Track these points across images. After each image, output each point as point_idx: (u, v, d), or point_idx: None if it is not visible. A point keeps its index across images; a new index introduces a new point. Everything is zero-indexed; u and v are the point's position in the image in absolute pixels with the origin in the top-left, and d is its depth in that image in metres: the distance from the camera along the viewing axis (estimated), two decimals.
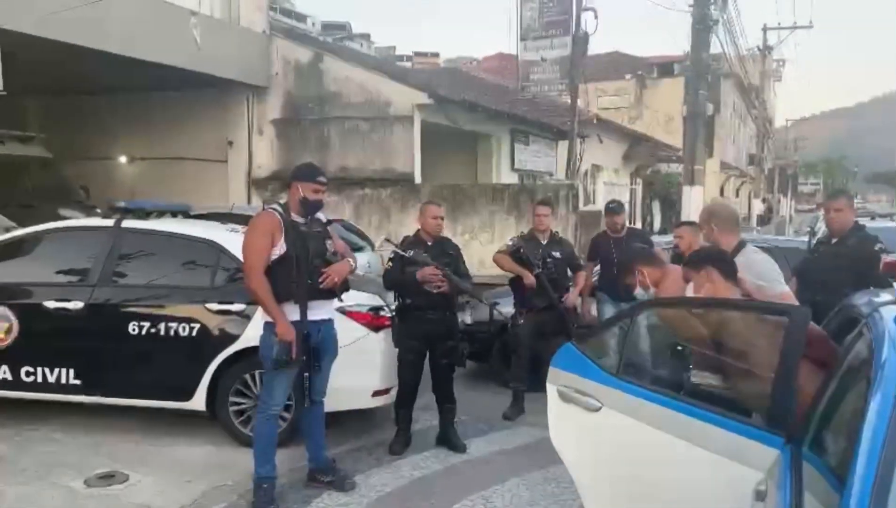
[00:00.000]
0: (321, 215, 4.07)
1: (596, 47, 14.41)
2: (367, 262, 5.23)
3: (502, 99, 16.74)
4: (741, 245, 3.85)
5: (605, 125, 19.98)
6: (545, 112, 17.15)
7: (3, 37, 8.58)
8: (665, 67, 31.97)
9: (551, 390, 3.20)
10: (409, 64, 26.56)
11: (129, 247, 5.00)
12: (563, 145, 17.21)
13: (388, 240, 4.57)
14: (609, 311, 5.79)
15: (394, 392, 4.87)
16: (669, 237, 9.22)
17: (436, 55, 32.24)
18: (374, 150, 13.08)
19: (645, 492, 2.69)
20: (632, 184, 23.19)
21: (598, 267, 6.13)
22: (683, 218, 9.90)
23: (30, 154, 11.01)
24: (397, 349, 4.71)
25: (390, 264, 4.83)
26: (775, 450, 2.15)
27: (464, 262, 4.96)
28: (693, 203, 10.14)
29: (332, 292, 3.97)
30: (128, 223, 5.02)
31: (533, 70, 15.27)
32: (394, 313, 4.77)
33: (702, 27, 10.51)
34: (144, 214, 5.18)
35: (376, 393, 4.80)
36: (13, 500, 3.87)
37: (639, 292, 4.25)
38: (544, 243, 5.68)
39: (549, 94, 16.18)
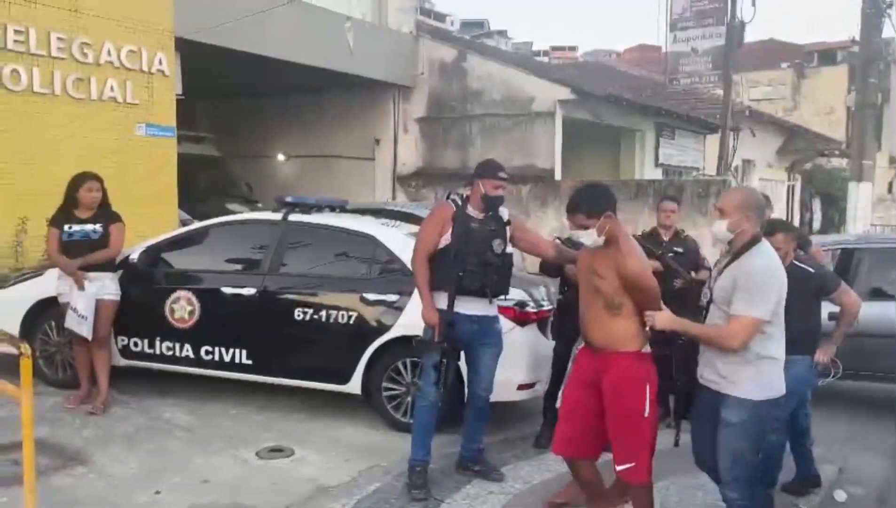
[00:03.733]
0: (504, 213, 4.14)
1: (748, 35, 13.58)
2: (521, 258, 5.30)
3: (644, 92, 16.25)
4: (754, 240, 3.13)
5: (758, 117, 18.87)
6: (692, 105, 16.47)
7: (183, 45, 9.49)
8: (826, 55, 29.60)
9: None
10: (545, 59, 26.26)
11: (295, 239, 5.40)
12: (711, 140, 16.46)
13: (557, 238, 4.56)
14: None
15: (539, 387, 4.92)
16: (834, 237, 8.65)
17: (573, 49, 31.66)
18: (515, 146, 13.14)
19: None
20: (789, 180, 21.70)
21: None
22: (849, 217, 9.20)
23: (202, 153, 12.08)
24: (553, 342, 4.77)
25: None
26: None
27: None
28: (861, 201, 9.39)
29: (483, 292, 4.04)
30: (294, 217, 5.40)
31: (683, 62, 14.69)
32: (553, 306, 4.84)
33: (874, 10, 9.69)
34: (308, 208, 5.54)
35: (521, 387, 4.88)
36: (203, 467, 4.30)
37: None
38: (666, 239, 5.47)
39: (700, 86, 15.51)
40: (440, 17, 24.17)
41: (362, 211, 6.62)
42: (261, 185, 13.66)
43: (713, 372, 3.13)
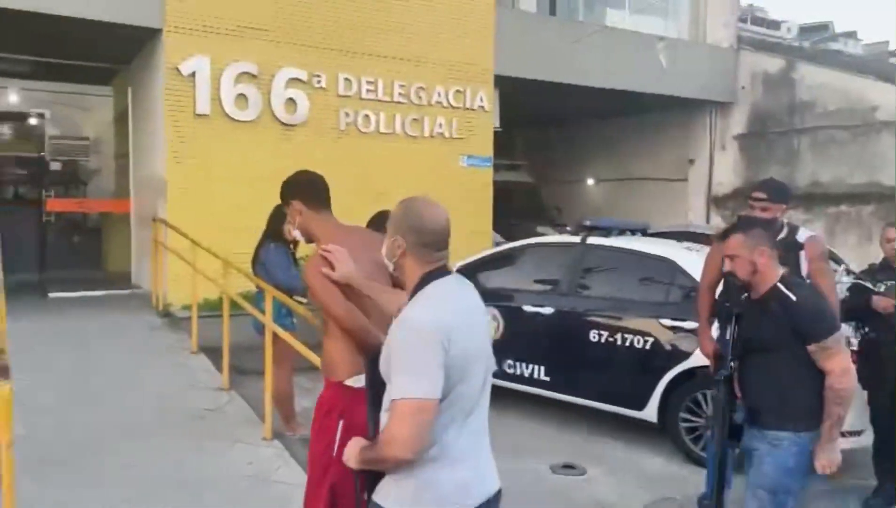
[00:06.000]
0: (801, 235, 3.77)
1: None
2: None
3: None
4: None
5: None
6: None
7: (501, 82, 10.29)
8: None
9: None
10: None
11: (593, 261, 5.51)
12: None
13: (848, 271, 4.05)
14: None
15: (864, 438, 4.31)
16: None
17: None
18: (853, 161, 11.61)
19: None
20: None
21: None
22: None
23: (516, 180, 12.88)
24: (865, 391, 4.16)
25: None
26: None
27: None
28: None
29: None
30: (592, 240, 5.52)
31: None
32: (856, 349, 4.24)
33: None
34: (607, 231, 5.61)
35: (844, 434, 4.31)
36: (499, 474, 4.60)
37: None
38: None
39: None
40: (774, 24, 22.40)
41: (665, 235, 6.47)
42: (571, 209, 14.07)
43: None
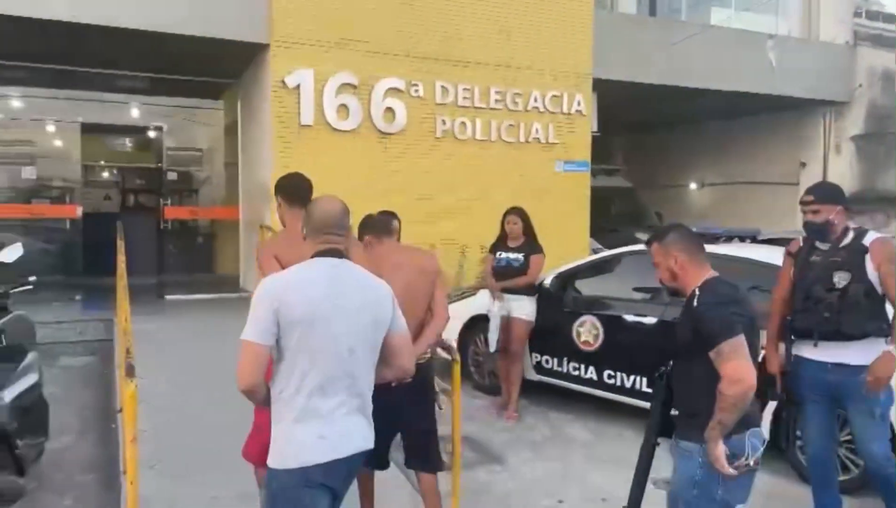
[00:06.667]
0: (868, 238, 3.45)
1: None
2: None
3: None
4: None
5: None
6: None
7: (600, 86, 10.12)
8: None
9: None
10: None
11: None
12: None
13: None
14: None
15: None
16: None
17: None
18: None
19: None
20: None
21: None
22: None
23: (614, 185, 12.61)
24: None
25: None
26: None
27: None
28: None
29: (839, 333, 3.39)
30: None
31: None
32: None
33: None
34: (713, 238, 5.39)
35: None
36: (601, 485, 4.52)
37: None
38: None
39: None
40: (890, 18, 21.04)
41: (776, 241, 6.15)
42: (672, 214, 13.64)
43: None
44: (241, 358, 2.27)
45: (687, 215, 13.55)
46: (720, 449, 2.52)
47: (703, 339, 2.55)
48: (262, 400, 2.35)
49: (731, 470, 2.53)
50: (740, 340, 2.49)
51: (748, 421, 2.60)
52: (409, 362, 2.57)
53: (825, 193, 3.59)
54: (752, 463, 2.60)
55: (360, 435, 2.39)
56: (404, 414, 3.33)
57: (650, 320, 5.26)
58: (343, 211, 2.54)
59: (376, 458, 3.21)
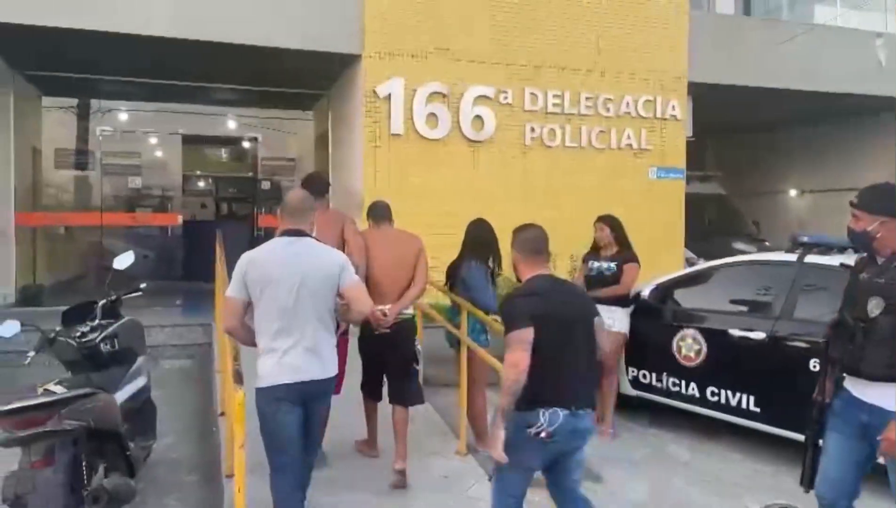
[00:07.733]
0: None
1: None
2: None
3: None
4: None
5: None
6: None
7: (694, 88, 9.76)
8: None
9: None
10: None
11: (811, 282, 4.99)
12: None
13: None
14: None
15: None
16: None
17: None
18: None
19: None
20: None
21: None
22: None
23: (708, 192, 12.14)
24: None
25: None
26: None
27: None
28: None
29: (860, 371, 2.93)
30: (811, 258, 5.01)
31: None
32: None
33: None
34: (828, 249, 5.07)
35: None
36: (703, 502, 4.30)
37: None
38: None
39: None
40: None
41: None
42: (770, 222, 13.02)
43: None
44: (223, 308, 3.42)
45: (787, 223, 12.90)
46: (499, 430, 2.92)
47: None
48: (243, 339, 3.32)
49: (496, 450, 2.90)
50: (521, 334, 2.91)
51: None
52: (364, 307, 3.40)
53: (869, 199, 3.02)
54: None
55: (310, 368, 3.22)
56: (387, 357, 4.38)
57: (758, 334, 4.99)
58: (302, 200, 3.42)
59: (371, 391, 4.56)
